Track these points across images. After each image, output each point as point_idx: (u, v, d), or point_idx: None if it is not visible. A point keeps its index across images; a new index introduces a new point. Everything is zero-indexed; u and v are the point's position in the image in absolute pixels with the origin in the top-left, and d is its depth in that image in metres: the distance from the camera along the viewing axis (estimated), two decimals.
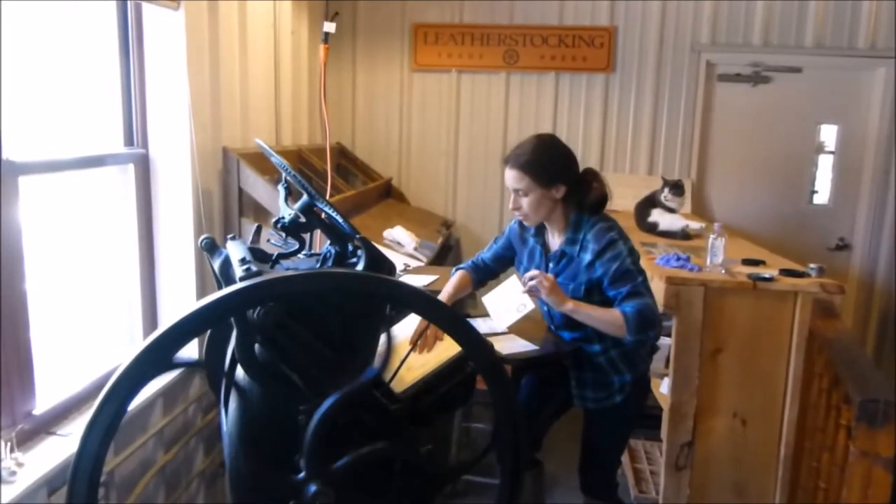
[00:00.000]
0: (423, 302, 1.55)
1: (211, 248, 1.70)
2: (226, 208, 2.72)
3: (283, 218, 1.79)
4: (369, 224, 3.43)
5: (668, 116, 4.26)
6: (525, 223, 2.19)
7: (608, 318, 1.99)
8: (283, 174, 1.82)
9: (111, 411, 1.38)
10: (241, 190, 2.71)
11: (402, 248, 3.41)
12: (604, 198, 2.09)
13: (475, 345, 1.64)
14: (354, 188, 3.96)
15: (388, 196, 4.39)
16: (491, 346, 1.73)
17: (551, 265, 2.15)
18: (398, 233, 3.46)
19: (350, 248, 1.76)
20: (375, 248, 1.62)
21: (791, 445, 2.46)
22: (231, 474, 1.67)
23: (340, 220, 1.66)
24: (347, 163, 4.38)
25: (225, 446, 1.73)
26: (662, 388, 2.73)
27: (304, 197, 1.75)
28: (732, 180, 4.35)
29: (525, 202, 2.07)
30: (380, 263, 1.60)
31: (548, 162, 2.04)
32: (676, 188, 3.55)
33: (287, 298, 1.48)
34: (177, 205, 2.45)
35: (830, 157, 4.31)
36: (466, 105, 4.40)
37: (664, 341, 3.03)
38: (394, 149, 4.50)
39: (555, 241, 2.16)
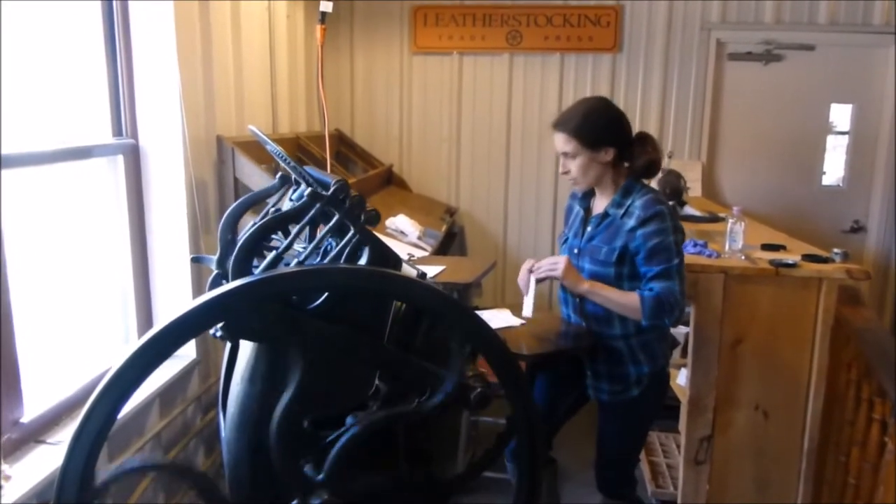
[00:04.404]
0: (426, 294, 1.44)
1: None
2: (221, 199, 2.61)
3: (280, 210, 1.69)
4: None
5: (677, 97, 4.13)
6: (574, 187, 2.16)
7: (624, 301, 1.97)
8: (280, 163, 1.71)
9: (101, 417, 1.28)
10: (236, 180, 2.60)
11: (405, 237, 3.30)
12: (654, 162, 2.06)
13: (487, 340, 1.54)
14: (354, 176, 3.85)
15: (389, 183, 4.28)
16: (504, 342, 1.63)
17: (589, 228, 2.11)
18: (401, 221, 3.35)
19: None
20: (379, 240, 1.52)
21: (815, 439, 2.37)
22: (231, 484, 1.57)
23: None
24: (347, 150, 4.26)
25: (224, 453, 1.63)
26: (680, 380, 2.63)
27: (302, 186, 1.65)
28: (744, 162, 4.23)
29: (573, 165, 2.05)
30: (384, 257, 1.50)
31: (595, 124, 2.02)
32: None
33: (286, 296, 1.38)
34: (170, 197, 2.34)
35: (841, 138, 4.19)
36: (469, 88, 4.26)
37: (681, 330, 2.94)
38: (394, 135, 4.38)
39: (600, 204, 2.12)
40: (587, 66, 4.16)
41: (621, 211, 2.01)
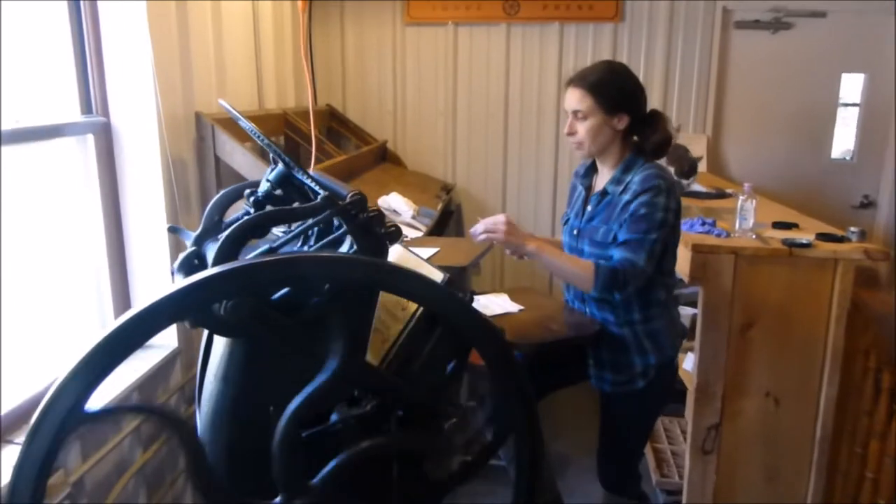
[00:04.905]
0: (415, 283, 1.31)
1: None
2: (202, 180, 2.47)
3: (257, 192, 1.56)
4: (363, 191, 3.17)
5: (681, 68, 3.96)
6: (578, 152, 2.01)
7: (573, 269, 1.86)
8: (255, 139, 1.58)
9: (57, 417, 1.16)
10: (217, 158, 2.46)
11: (398, 216, 3.17)
12: (666, 140, 1.92)
13: (481, 330, 1.41)
14: (347, 153, 3.70)
15: (383, 160, 4.13)
16: (501, 332, 1.51)
17: (589, 207, 1.99)
18: (394, 200, 3.21)
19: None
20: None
21: (828, 428, 2.26)
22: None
23: (320, 192, 1.42)
24: (339, 126, 4.10)
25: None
26: (687, 365, 2.52)
27: (280, 166, 1.52)
28: (750, 135, 4.07)
29: (582, 128, 1.91)
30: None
31: (616, 87, 1.90)
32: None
33: (264, 287, 1.26)
34: (145, 178, 2.20)
35: (851, 109, 4.03)
36: (465, 60, 4.09)
37: (687, 311, 2.82)
38: (388, 109, 4.22)
39: (601, 181, 1.99)
40: (588, 36, 3.98)
41: (620, 188, 1.89)
